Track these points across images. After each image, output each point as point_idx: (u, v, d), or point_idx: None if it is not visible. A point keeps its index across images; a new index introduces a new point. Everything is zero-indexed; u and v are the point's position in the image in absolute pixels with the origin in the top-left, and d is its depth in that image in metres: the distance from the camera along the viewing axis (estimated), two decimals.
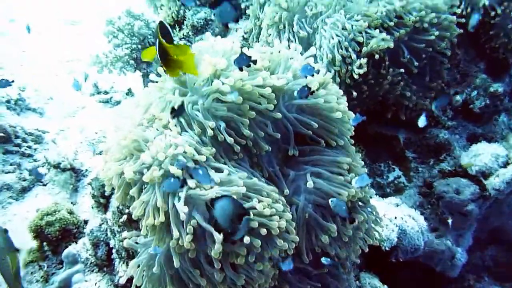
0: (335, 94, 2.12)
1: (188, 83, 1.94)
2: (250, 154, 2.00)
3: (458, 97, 3.64)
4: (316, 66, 2.10)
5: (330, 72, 2.83)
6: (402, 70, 3.05)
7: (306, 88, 1.96)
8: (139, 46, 3.90)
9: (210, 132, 1.84)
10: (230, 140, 1.87)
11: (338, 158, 2.06)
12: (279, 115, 1.98)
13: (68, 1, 6.41)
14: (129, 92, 4.64)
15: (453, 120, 3.62)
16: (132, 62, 3.88)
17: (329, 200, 1.90)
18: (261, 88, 1.90)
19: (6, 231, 2.44)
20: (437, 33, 3.03)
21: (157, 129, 1.88)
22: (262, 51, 2.09)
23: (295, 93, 2.00)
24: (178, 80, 1.94)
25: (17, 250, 2.47)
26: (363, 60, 2.88)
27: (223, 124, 1.87)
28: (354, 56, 2.89)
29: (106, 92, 4.56)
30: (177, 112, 1.81)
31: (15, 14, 5.92)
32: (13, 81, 2.95)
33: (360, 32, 2.89)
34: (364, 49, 2.88)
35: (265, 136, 1.99)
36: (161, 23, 1.77)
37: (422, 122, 3.08)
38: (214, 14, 4.13)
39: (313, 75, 2.05)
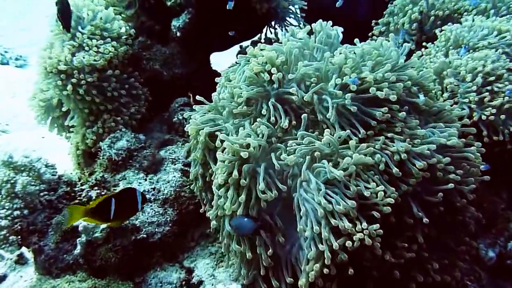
0: None
1: None
2: None
3: (491, 253, 2.67)
4: None
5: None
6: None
7: None
8: (25, 212, 2.55)
9: None
10: None
11: None
12: None
13: None
14: (21, 260, 3.19)
15: None
16: (13, 237, 2.51)
17: None
18: None
19: None
20: (458, 178, 2.09)
21: None
22: None
23: None
24: None
25: None
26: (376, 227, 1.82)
27: None
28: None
29: None
30: None
31: None
32: None
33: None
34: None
35: None
36: None
37: None
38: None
39: None
